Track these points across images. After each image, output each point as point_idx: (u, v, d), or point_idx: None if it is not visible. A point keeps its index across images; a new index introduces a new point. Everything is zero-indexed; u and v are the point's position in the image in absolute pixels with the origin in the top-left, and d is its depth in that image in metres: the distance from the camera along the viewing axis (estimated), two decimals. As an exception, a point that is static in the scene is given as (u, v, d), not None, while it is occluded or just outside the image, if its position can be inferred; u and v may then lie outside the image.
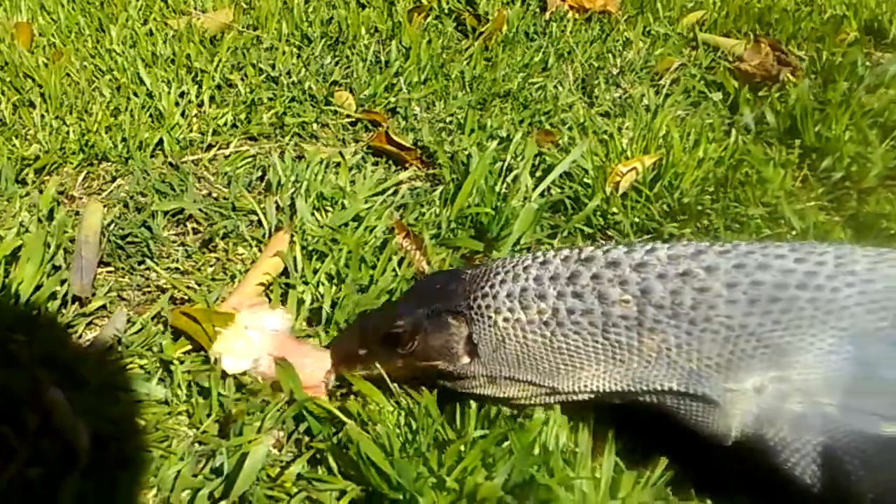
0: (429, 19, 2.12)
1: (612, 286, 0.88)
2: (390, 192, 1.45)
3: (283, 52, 1.88)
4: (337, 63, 1.89)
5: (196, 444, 0.97)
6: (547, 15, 2.19)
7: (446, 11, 2.20)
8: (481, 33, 2.03)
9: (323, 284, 1.20)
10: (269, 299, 1.17)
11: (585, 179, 1.45)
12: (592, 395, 0.93)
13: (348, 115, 1.71)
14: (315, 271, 1.22)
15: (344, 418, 0.95)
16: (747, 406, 0.84)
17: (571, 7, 2.22)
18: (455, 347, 0.97)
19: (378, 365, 1.00)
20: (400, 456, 0.89)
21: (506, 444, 0.91)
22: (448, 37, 2.05)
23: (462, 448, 0.89)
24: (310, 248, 1.26)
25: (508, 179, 1.44)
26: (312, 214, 1.34)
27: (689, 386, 0.85)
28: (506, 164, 1.46)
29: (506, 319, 0.92)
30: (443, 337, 0.97)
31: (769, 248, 0.88)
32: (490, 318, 0.93)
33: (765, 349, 0.83)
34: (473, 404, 0.97)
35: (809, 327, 0.82)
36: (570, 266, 0.92)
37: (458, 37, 2.08)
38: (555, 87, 1.81)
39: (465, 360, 0.97)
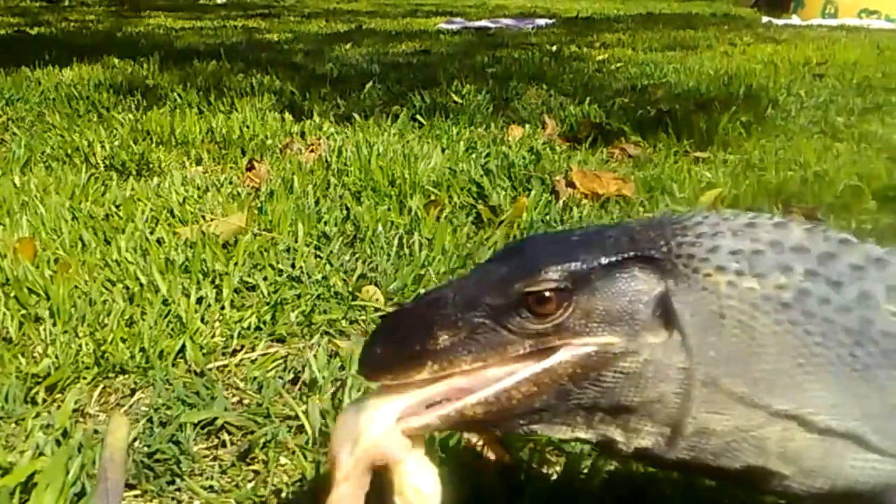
0: (444, 212, 2.07)
1: (879, 286, 0.63)
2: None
3: (302, 253, 1.80)
4: (358, 259, 1.81)
5: None
6: (560, 203, 2.16)
7: (459, 206, 2.16)
8: (501, 221, 1.98)
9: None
10: None
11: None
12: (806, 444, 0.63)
13: (377, 310, 1.60)
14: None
15: None
16: None
17: (584, 195, 2.20)
18: (640, 311, 0.64)
19: (469, 361, 0.65)
20: None
21: None
22: (467, 228, 1.99)
23: None
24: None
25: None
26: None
27: None
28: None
29: (731, 284, 0.63)
30: (625, 295, 0.64)
31: None
32: (708, 275, 0.63)
33: None
34: None
35: None
36: (819, 242, 0.65)
37: (474, 229, 2.02)
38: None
39: (651, 337, 0.64)
